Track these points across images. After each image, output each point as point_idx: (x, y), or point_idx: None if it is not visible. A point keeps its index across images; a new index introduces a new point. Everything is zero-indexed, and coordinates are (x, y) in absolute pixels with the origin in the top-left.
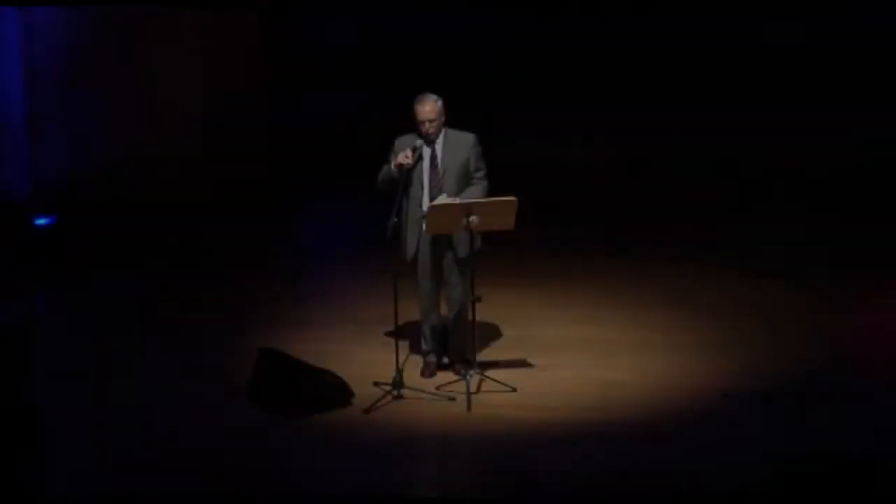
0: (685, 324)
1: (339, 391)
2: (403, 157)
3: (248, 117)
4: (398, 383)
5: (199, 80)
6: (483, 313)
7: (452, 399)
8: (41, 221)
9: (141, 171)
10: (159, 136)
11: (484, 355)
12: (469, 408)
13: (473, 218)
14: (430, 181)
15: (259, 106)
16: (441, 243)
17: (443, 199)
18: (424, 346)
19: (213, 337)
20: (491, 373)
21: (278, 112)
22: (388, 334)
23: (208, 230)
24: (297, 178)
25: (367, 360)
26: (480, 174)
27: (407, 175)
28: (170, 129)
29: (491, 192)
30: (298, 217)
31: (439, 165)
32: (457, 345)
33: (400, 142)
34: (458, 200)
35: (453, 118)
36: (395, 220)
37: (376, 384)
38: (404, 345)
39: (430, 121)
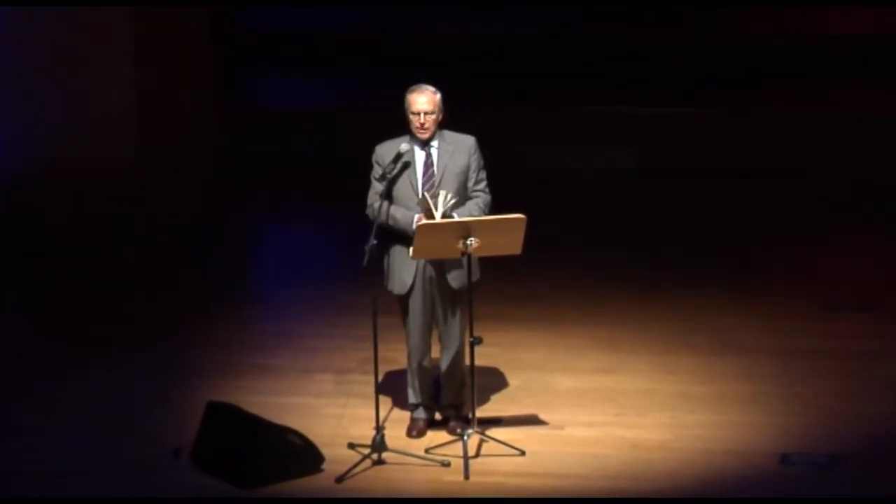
0: (731, 370)
1: (305, 454)
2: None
3: (192, 114)
4: (379, 445)
5: (132, 69)
6: (484, 358)
7: (446, 464)
8: None
9: (65, 177)
10: (86, 135)
11: (485, 410)
12: (467, 475)
13: (472, 240)
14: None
15: (207, 101)
16: (436, 272)
17: (440, 200)
18: (412, 399)
19: (150, 386)
20: (493, 432)
21: (229, 108)
22: (367, 384)
23: (143, 253)
24: (252, 189)
25: (341, 415)
26: (481, 186)
27: (390, 185)
28: (98, 127)
29: (494, 208)
30: (254, 238)
31: (435, 172)
32: (452, 397)
33: (381, 149)
34: (443, 214)
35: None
36: (374, 242)
37: (352, 446)
38: (386, 397)
39: (427, 113)
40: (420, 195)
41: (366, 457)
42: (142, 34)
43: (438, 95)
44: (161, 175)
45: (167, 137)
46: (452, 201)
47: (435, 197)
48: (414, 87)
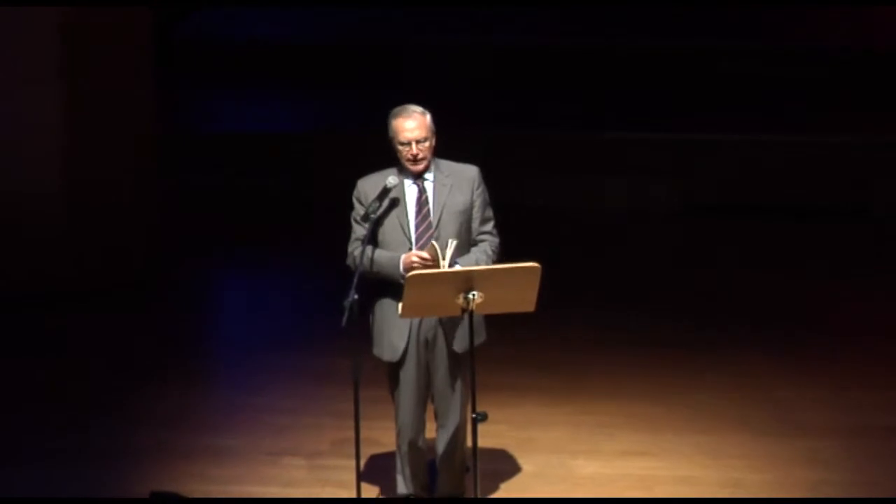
0: (791, 454)
1: None
2: (419, 260)
3: (132, 143)
4: None
5: (62, 91)
6: (489, 438)
7: None
8: None
9: None
10: (3, 166)
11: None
12: None
13: (474, 294)
14: (420, 236)
15: (149, 127)
16: (433, 333)
17: (450, 248)
18: (401, 489)
19: (84, 472)
20: None
21: (177, 135)
22: (346, 470)
23: (74, 312)
24: (205, 233)
25: None
26: (489, 227)
27: (375, 227)
28: (19, 156)
29: (502, 254)
30: (207, 293)
31: (432, 211)
32: (450, 486)
33: (364, 185)
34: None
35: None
36: (355, 296)
37: None
38: (370, 486)
39: (420, 141)
40: (412, 241)
41: None
42: (70, 47)
43: (428, 116)
44: (94, 215)
45: (101, 170)
46: (454, 244)
47: (435, 240)
48: (398, 110)
